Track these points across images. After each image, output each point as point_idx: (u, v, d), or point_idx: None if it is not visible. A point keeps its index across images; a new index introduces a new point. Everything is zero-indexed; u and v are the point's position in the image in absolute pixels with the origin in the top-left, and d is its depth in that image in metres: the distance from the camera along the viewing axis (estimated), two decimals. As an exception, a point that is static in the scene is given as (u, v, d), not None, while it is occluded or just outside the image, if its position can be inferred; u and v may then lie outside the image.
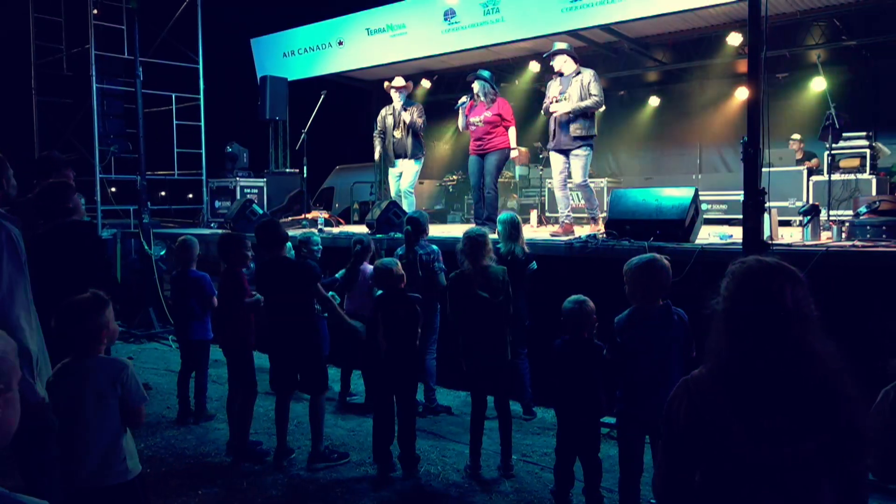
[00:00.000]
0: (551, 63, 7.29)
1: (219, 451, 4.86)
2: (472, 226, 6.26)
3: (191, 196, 16.42)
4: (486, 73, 7.65)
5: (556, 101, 7.04)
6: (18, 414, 1.36)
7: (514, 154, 7.72)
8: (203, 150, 11.68)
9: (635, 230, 5.72)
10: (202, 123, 11.60)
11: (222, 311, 4.98)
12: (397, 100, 8.20)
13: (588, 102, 6.86)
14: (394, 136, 8.23)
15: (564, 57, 7.15)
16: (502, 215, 5.50)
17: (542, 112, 7.41)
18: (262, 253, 4.71)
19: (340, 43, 11.99)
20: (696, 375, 1.79)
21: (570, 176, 7.21)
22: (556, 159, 7.20)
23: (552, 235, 6.91)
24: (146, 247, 9.04)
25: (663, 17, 8.86)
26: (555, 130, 7.12)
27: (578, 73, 7.03)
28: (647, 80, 12.63)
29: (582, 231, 6.94)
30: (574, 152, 7.02)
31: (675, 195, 5.81)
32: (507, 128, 7.53)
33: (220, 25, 13.07)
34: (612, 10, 8.81)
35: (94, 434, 2.66)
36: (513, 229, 5.26)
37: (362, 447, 4.85)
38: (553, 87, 7.17)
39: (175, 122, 11.43)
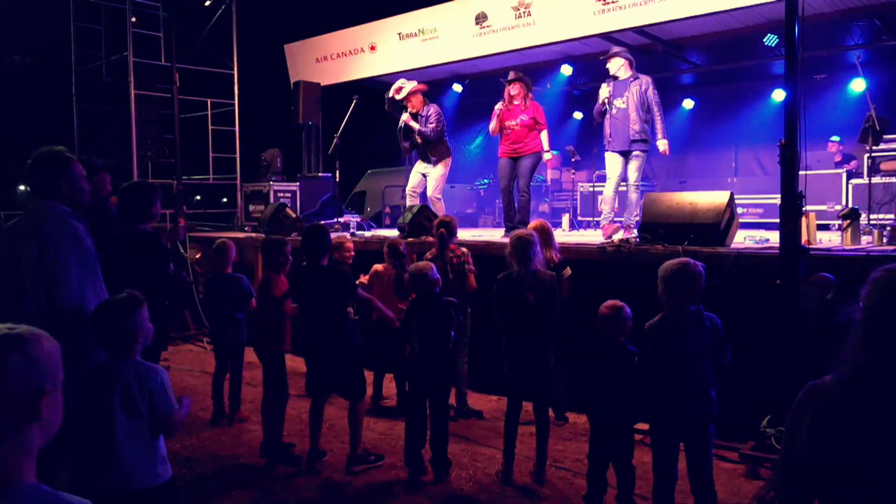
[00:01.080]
0: (607, 66, 7.29)
1: (252, 453, 4.91)
2: (502, 230, 6.26)
3: (225, 200, 16.65)
4: (523, 76, 7.67)
5: (609, 103, 7.13)
6: (62, 415, 1.39)
7: (546, 157, 7.70)
8: (237, 155, 11.85)
9: (669, 234, 5.65)
10: (237, 128, 11.77)
11: (258, 314, 5.04)
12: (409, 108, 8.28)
13: (657, 111, 7.11)
14: (416, 143, 8.32)
15: (621, 60, 7.26)
16: (533, 221, 5.50)
17: (594, 115, 7.41)
18: (304, 257, 4.74)
19: (372, 48, 12.06)
20: (826, 383, 1.71)
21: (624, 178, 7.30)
22: (614, 160, 7.23)
23: (605, 238, 6.85)
24: (182, 250, 9.19)
25: (698, 18, 8.74)
26: (612, 133, 7.14)
27: (636, 77, 7.19)
28: (680, 82, 12.50)
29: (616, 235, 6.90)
30: (634, 153, 7.15)
31: (709, 198, 5.74)
32: (540, 131, 7.51)
33: (254, 32, 13.25)
34: (646, 12, 8.73)
35: (124, 436, 2.67)
36: (543, 234, 5.24)
37: (394, 450, 4.86)
38: (604, 90, 7.23)
39: (210, 127, 11.62)
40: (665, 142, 7.16)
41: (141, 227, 4.20)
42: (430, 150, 8.22)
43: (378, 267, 5.89)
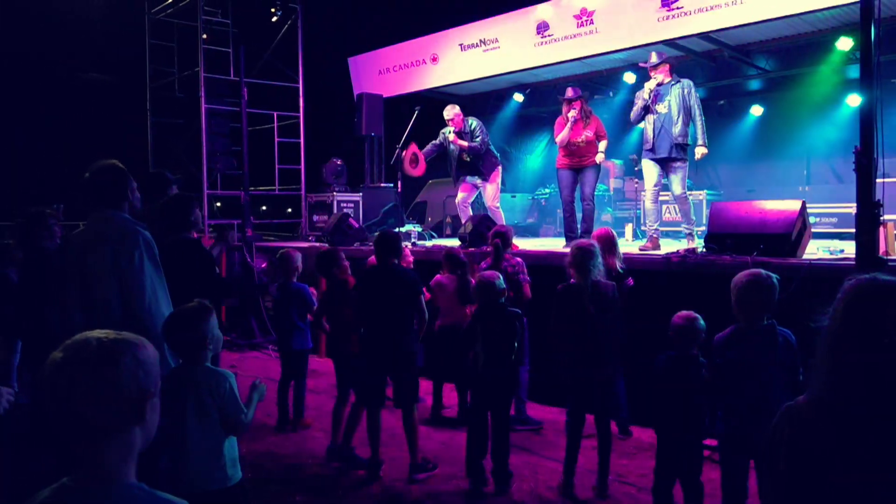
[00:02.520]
0: (654, 74, 7.16)
1: (316, 459, 4.98)
2: (563, 240, 6.21)
3: (290, 210, 17.04)
4: (584, 92, 7.67)
5: (651, 103, 6.97)
6: (158, 419, 1.44)
7: (598, 158, 7.58)
8: (302, 166, 12.11)
9: (737, 244, 5.50)
10: (302, 140, 12.04)
11: (329, 321, 5.13)
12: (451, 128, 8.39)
13: (697, 116, 6.86)
14: (463, 160, 8.45)
15: (666, 66, 7.12)
16: (597, 230, 5.44)
17: (633, 116, 7.28)
18: (376, 259, 4.80)
19: (434, 59, 12.16)
20: (799, 403, 1.66)
21: (664, 188, 7.09)
22: (651, 169, 7.08)
23: (641, 250, 6.77)
24: (249, 259, 9.43)
25: (767, 22, 8.51)
26: (654, 136, 7.00)
27: (677, 81, 7.01)
28: (748, 88, 12.15)
29: (678, 245, 6.76)
30: (673, 164, 6.94)
31: (780, 207, 5.56)
32: (600, 141, 7.51)
33: (318, 46, 13.54)
34: (712, 17, 8.55)
35: (196, 439, 2.77)
36: (607, 244, 5.18)
37: (454, 460, 4.86)
38: (648, 86, 7.11)
39: (277, 139, 11.92)
40: (704, 149, 6.95)
41: (184, 236, 4.33)
42: (481, 162, 8.36)
43: (441, 278, 5.91)
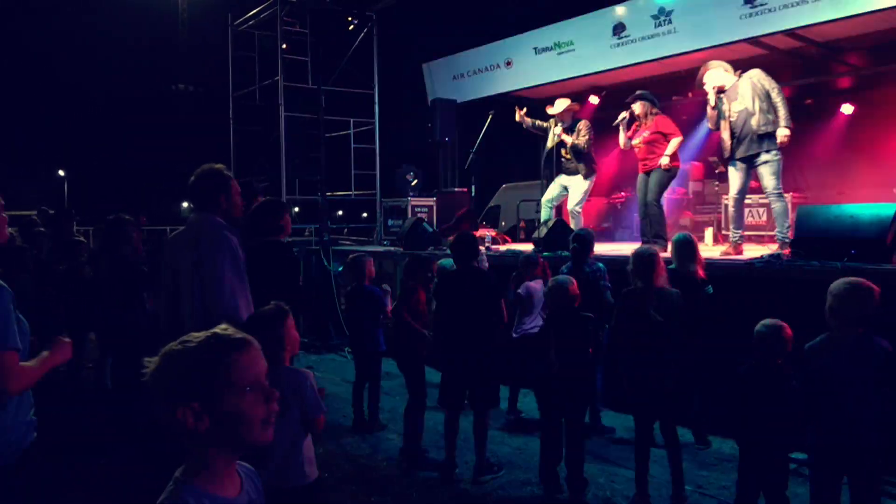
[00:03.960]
0: (705, 80, 6.86)
1: (390, 461, 5.03)
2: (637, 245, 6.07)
3: (365, 215, 17.31)
4: (645, 94, 7.48)
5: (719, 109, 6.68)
6: None
7: (662, 162, 7.36)
8: (377, 172, 12.30)
9: (826, 249, 5.25)
10: (377, 146, 12.21)
11: (398, 326, 5.17)
12: (559, 122, 8.31)
13: (776, 96, 6.36)
14: (563, 157, 8.33)
15: (719, 73, 6.78)
16: (677, 235, 5.29)
17: (709, 124, 7.04)
18: (455, 261, 4.83)
19: (508, 63, 12.14)
20: None
21: (747, 191, 6.83)
22: (735, 175, 6.73)
23: (723, 255, 6.53)
24: (325, 263, 9.62)
25: (859, 17, 8.11)
26: (734, 139, 6.66)
27: (741, 76, 6.66)
28: (837, 86, 11.61)
29: (762, 250, 6.49)
30: (762, 157, 6.43)
31: (873, 211, 5.28)
32: (669, 140, 7.28)
33: (393, 53, 13.74)
34: (798, 13, 8.21)
35: (276, 437, 2.81)
36: (687, 249, 5.03)
37: (528, 466, 4.82)
38: (711, 96, 6.82)
39: (353, 145, 12.13)
40: (786, 131, 6.32)
41: (275, 238, 4.44)
42: (579, 162, 8.20)
43: (532, 284, 5.87)
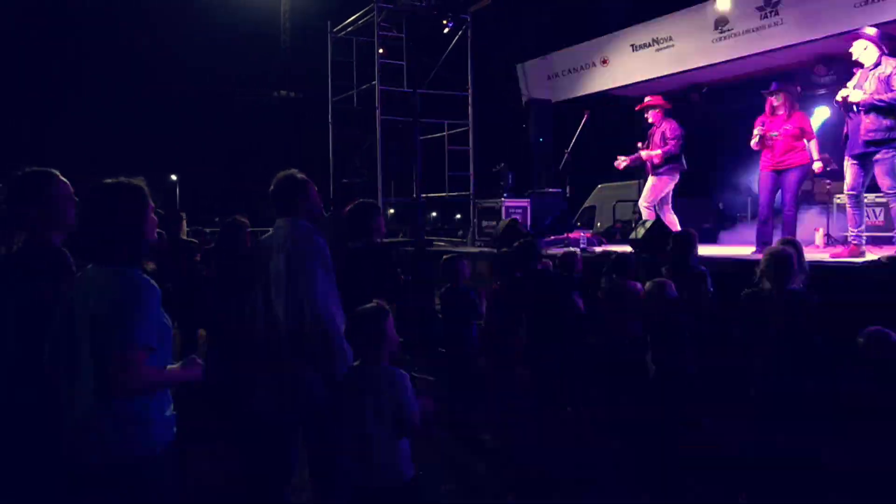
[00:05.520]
0: (850, 50, 6.38)
1: (487, 462, 5.04)
2: (745, 247, 5.83)
3: (458, 216, 17.44)
4: (786, 85, 7.13)
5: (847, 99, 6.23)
6: None
7: (816, 167, 7.03)
8: (471, 173, 12.36)
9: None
10: (471, 147, 12.28)
11: (493, 325, 5.19)
12: (651, 119, 8.23)
13: (886, 97, 5.85)
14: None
15: (864, 43, 6.12)
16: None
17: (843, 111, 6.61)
18: (521, 267, 4.82)
19: (604, 62, 11.95)
20: None
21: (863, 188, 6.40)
22: (849, 170, 6.36)
23: (832, 256, 6.18)
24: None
25: None
26: (849, 132, 6.28)
27: (878, 64, 6.03)
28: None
29: (879, 252, 6.10)
30: (876, 156, 6.04)
31: None
32: (807, 141, 6.93)
33: (487, 55, 13.76)
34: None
35: (374, 435, 2.87)
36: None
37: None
38: (852, 82, 6.25)
39: (447, 147, 12.24)
40: None
41: (368, 240, 4.53)
42: (664, 162, 8.02)
43: (622, 286, 5.76)
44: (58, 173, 3.03)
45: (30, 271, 2.71)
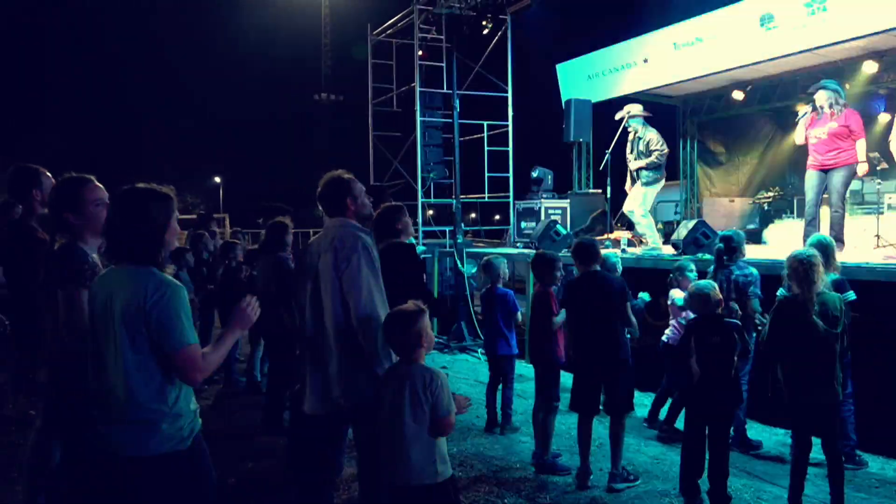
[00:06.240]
0: None
1: (523, 464, 5.03)
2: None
3: (498, 217, 17.40)
4: (831, 83, 6.95)
5: None
6: None
7: (860, 170, 6.87)
8: (511, 174, 12.32)
9: None
10: (510, 148, 12.24)
11: (533, 328, 5.17)
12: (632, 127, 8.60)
13: None
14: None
15: None
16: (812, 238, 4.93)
17: None
18: (577, 266, 4.78)
19: (645, 61, 11.80)
20: None
21: None
22: None
23: (886, 258, 6.01)
24: (459, 265, 9.75)
25: None
26: None
27: None
28: None
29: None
30: None
31: None
32: (855, 140, 6.75)
33: (527, 55, 13.71)
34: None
35: (410, 434, 2.89)
36: (824, 253, 4.68)
37: (666, 477, 4.67)
38: None
39: (486, 148, 12.23)
40: None
41: (395, 241, 4.55)
42: (644, 169, 8.44)
43: (675, 291, 5.70)
44: (94, 179, 3.15)
45: (64, 276, 2.92)
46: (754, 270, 5.18)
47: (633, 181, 8.56)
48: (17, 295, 3.90)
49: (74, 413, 2.87)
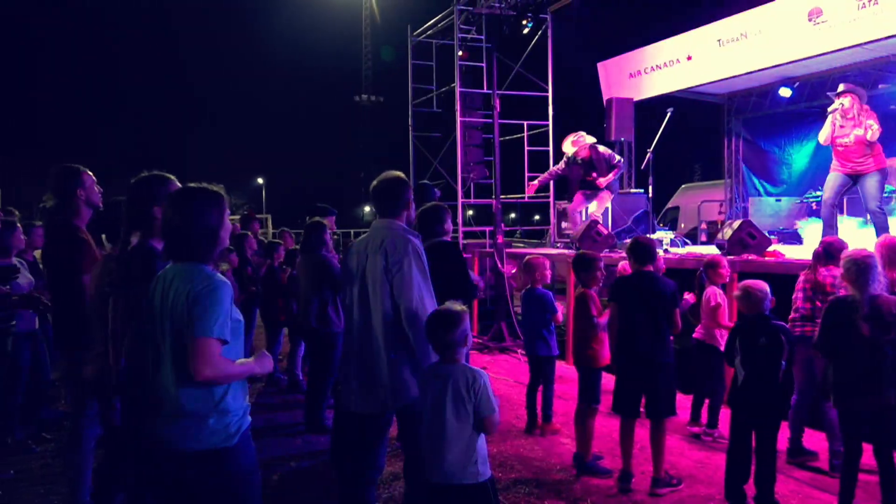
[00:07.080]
0: None
1: (564, 466, 4.99)
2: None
3: (537, 217, 17.33)
4: (854, 86, 6.82)
5: None
6: None
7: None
8: (551, 173, 12.23)
9: None
10: (550, 148, 12.17)
11: (575, 330, 5.13)
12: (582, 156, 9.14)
13: None
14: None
15: None
16: (882, 238, 4.79)
17: None
18: (631, 264, 4.74)
19: (689, 58, 11.61)
20: None
21: None
22: None
23: None
24: (499, 265, 9.73)
25: None
26: None
27: None
28: None
29: None
30: None
31: None
32: (876, 139, 6.60)
33: (567, 54, 13.61)
34: None
35: (452, 433, 2.89)
36: (890, 253, 4.53)
37: (710, 481, 4.58)
38: None
39: (526, 148, 12.18)
40: None
41: (439, 239, 4.55)
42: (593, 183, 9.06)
43: (712, 289, 5.60)
44: (173, 178, 3.24)
45: (142, 275, 2.92)
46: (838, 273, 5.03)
47: None
48: (59, 295, 3.94)
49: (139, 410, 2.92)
